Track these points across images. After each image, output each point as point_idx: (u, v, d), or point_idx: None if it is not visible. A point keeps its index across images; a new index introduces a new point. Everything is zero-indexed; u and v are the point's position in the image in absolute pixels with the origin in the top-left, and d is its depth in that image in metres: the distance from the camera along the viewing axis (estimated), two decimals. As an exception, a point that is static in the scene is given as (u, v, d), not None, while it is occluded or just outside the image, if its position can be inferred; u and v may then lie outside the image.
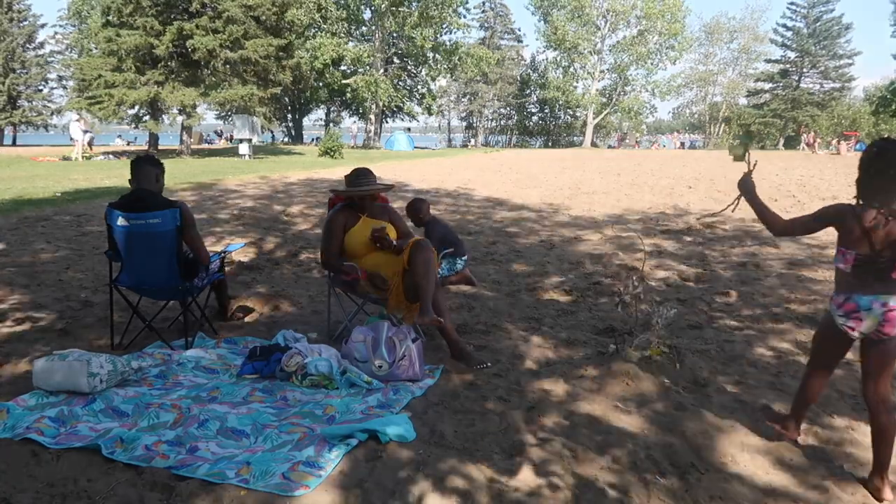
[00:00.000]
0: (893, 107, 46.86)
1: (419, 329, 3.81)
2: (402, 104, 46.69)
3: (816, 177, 18.02)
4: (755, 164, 2.70)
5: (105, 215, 3.75)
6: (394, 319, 3.78)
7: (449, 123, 64.52)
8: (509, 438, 2.81)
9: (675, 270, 6.25)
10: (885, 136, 2.30)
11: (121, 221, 3.66)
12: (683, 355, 3.70)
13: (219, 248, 4.55)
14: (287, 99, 45.76)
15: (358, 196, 4.01)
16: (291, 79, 26.49)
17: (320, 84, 44.05)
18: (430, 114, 50.50)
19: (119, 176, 14.45)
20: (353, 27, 43.60)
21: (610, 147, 54.09)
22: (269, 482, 2.41)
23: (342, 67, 43.16)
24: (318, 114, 55.99)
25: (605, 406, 3.18)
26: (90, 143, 24.61)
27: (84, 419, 2.90)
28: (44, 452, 2.60)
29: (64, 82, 40.73)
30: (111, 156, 24.12)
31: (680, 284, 5.74)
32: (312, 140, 47.10)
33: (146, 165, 3.80)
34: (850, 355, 2.83)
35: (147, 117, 24.96)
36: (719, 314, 4.79)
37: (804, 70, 54.09)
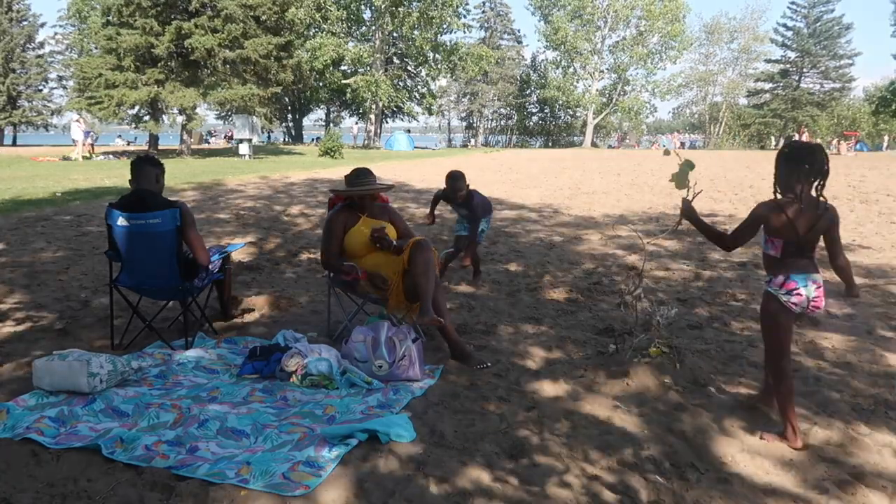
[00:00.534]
0: (893, 107, 46.90)
1: (419, 329, 3.81)
2: (402, 104, 46.71)
3: (816, 177, 17.99)
4: (698, 192, 3.09)
5: (105, 215, 3.75)
6: (394, 319, 3.78)
7: (449, 123, 64.55)
8: (509, 438, 2.81)
9: (675, 270, 6.25)
10: (800, 139, 2.88)
11: (121, 221, 3.66)
12: (683, 355, 3.70)
13: (216, 249, 4.54)
14: (287, 99, 45.77)
15: (358, 196, 4.00)
16: (292, 78, 26.49)
17: (320, 84, 44.06)
18: (430, 114, 50.53)
19: (119, 176, 14.45)
20: (353, 27, 43.60)
21: (610, 147, 54.11)
22: (269, 482, 2.41)
23: (342, 67, 43.16)
24: (318, 114, 56.06)
25: (605, 406, 3.18)
26: (93, 144, 24.63)
27: (84, 419, 2.90)
28: (44, 452, 2.60)
29: (64, 82, 40.77)
30: (111, 156, 24.14)
31: (680, 284, 5.74)
32: (312, 140, 47.12)
33: (146, 166, 3.79)
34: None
35: (147, 118, 24.98)
36: (719, 314, 4.78)
37: (804, 70, 54.13)
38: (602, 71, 53.18)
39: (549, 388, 3.37)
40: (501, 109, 60.43)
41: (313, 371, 3.36)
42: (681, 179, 3.07)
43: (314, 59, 39.00)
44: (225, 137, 43.70)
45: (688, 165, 3.08)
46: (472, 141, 59.62)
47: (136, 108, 24.78)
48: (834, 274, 3.10)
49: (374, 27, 42.57)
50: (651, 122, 71.79)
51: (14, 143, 39.55)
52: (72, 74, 31.81)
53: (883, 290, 5.57)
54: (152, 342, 3.92)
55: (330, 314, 4.37)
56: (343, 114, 55.22)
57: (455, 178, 5.39)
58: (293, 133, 51.22)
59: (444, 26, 41.87)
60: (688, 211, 3.02)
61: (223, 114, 41.86)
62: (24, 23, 39.88)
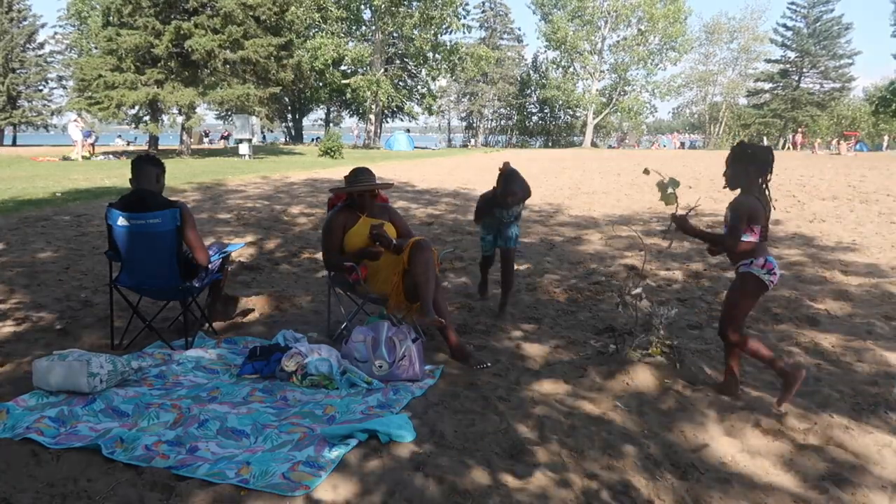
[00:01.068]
0: (893, 107, 46.92)
1: (419, 329, 3.81)
2: (402, 104, 46.73)
3: (816, 177, 18.02)
4: (694, 206, 3.40)
5: (105, 215, 3.74)
6: (394, 319, 3.78)
7: (449, 123, 64.55)
8: (509, 438, 2.81)
9: (675, 270, 6.25)
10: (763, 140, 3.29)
11: (121, 221, 3.65)
12: (683, 355, 3.70)
13: (217, 248, 4.54)
14: (287, 99, 45.76)
15: (357, 194, 4.00)
16: (292, 77, 26.49)
17: (320, 84, 44.07)
18: (430, 114, 50.53)
19: (119, 176, 14.46)
20: (354, 27, 43.61)
21: (610, 147, 54.11)
22: (269, 482, 2.41)
23: (342, 67, 43.17)
24: (319, 114, 56.04)
25: (605, 406, 3.18)
26: (93, 144, 24.62)
27: (84, 419, 2.90)
28: (44, 452, 2.60)
29: (64, 82, 40.77)
30: (111, 156, 24.13)
31: (680, 284, 5.74)
32: (312, 140, 47.12)
33: (147, 165, 3.79)
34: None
35: (147, 118, 24.99)
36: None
37: (804, 70, 54.13)
38: (602, 71, 53.19)
39: (549, 388, 3.37)
40: (501, 109, 60.43)
41: (313, 371, 3.36)
42: (667, 197, 3.22)
43: (314, 59, 39.00)
44: (221, 137, 43.68)
45: (671, 184, 3.21)
46: (472, 141, 59.63)
47: (136, 108, 24.78)
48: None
49: (374, 27, 42.58)
50: (651, 122, 71.82)
51: (14, 143, 39.55)
52: (72, 74, 31.83)
53: (883, 290, 5.57)
54: (152, 342, 3.92)
55: (330, 314, 4.37)
56: (343, 114, 55.21)
57: (511, 178, 4.48)
58: (293, 133, 51.22)
59: (444, 26, 41.87)
60: (680, 226, 3.24)
61: (222, 114, 41.86)
62: (25, 23, 39.88)
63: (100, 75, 22.32)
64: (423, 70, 45.85)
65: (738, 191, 3.14)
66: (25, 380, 3.24)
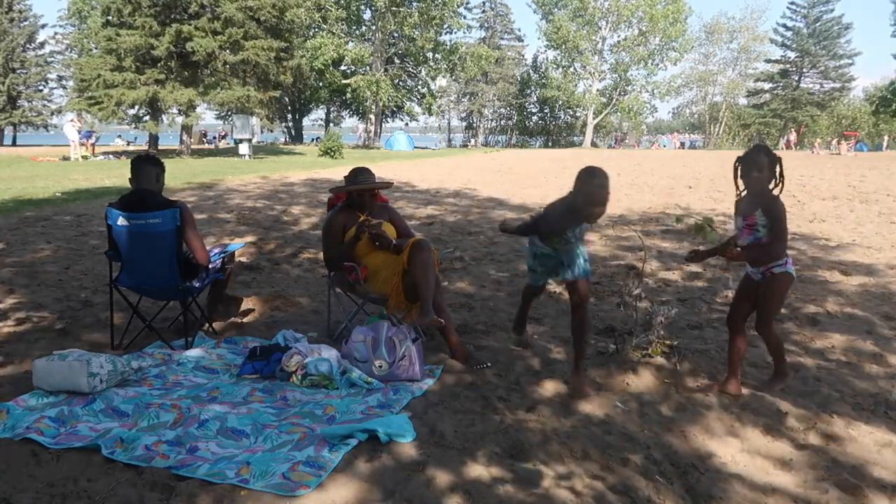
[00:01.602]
0: (893, 107, 46.92)
1: (419, 329, 3.81)
2: (402, 104, 46.73)
3: (816, 177, 18.02)
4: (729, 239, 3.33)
5: (105, 215, 3.74)
6: (394, 319, 3.78)
7: (449, 123, 64.53)
8: (509, 438, 2.81)
9: (675, 270, 6.25)
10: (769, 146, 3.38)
11: (121, 221, 3.65)
12: (683, 355, 3.70)
13: (218, 249, 4.54)
14: (287, 99, 45.76)
15: (357, 193, 4.00)
16: (292, 80, 26.50)
17: (320, 84, 44.08)
18: (430, 114, 50.53)
19: (119, 176, 14.46)
20: (354, 27, 43.61)
21: (610, 147, 54.11)
22: (269, 482, 2.41)
23: (342, 67, 43.17)
24: (319, 114, 56.03)
25: (606, 406, 3.18)
26: (94, 144, 24.61)
27: (84, 419, 2.90)
28: (44, 452, 2.60)
29: (64, 82, 40.78)
30: (111, 156, 24.15)
31: (680, 284, 5.74)
32: (312, 140, 47.13)
33: (146, 165, 3.79)
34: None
35: (147, 117, 24.99)
36: (719, 314, 4.78)
37: (804, 70, 54.13)
38: (602, 71, 53.18)
39: (549, 388, 3.37)
40: (501, 109, 60.40)
41: (313, 371, 3.36)
42: (706, 233, 3.35)
43: (314, 60, 39.00)
44: (220, 137, 43.66)
45: (707, 222, 3.36)
46: (472, 141, 59.61)
47: (136, 108, 24.79)
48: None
49: (374, 27, 42.58)
50: (651, 122, 71.79)
51: (14, 143, 39.57)
52: (72, 74, 31.83)
53: (883, 290, 5.57)
54: (152, 342, 3.92)
55: (330, 314, 4.37)
56: (343, 114, 55.21)
57: (602, 181, 3.13)
58: (293, 133, 51.23)
59: (445, 26, 41.87)
60: (737, 256, 3.25)
61: (223, 113, 41.88)
62: (25, 23, 39.90)
63: (99, 74, 22.33)
64: (423, 70, 45.85)
65: (744, 193, 3.23)
66: (25, 380, 3.24)
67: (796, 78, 54.48)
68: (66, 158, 21.77)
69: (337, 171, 17.00)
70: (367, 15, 43.50)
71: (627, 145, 57.75)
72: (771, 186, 3.16)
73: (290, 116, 51.19)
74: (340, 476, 2.48)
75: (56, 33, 45.01)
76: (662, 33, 48.84)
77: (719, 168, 21.90)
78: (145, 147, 27.84)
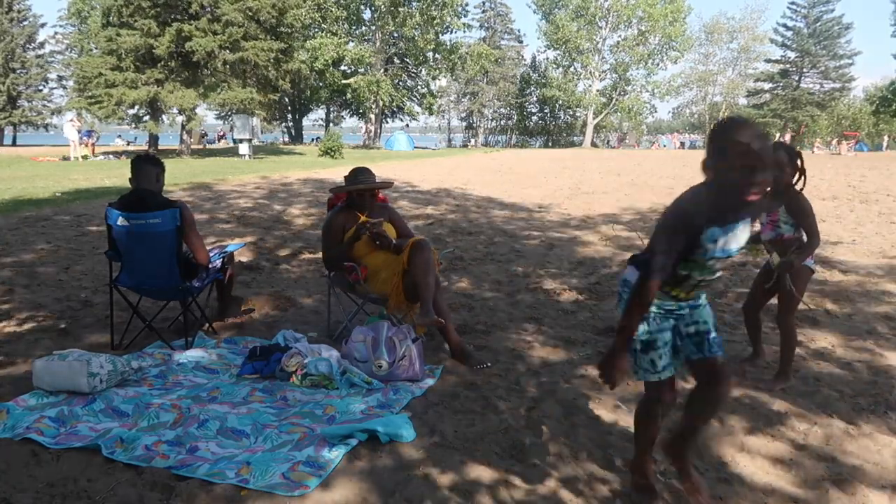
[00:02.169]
0: (894, 107, 46.91)
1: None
2: (402, 104, 46.73)
3: (816, 177, 18.02)
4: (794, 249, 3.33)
5: (105, 215, 3.74)
6: (394, 319, 3.78)
7: (449, 123, 64.54)
8: (509, 438, 2.81)
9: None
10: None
11: (121, 221, 3.65)
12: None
13: (218, 248, 4.54)
14: (287, 99, 45.77)
15: (357, 193, 4.00)
16: (290, 84, 26.53)
17: (320, 84, 44.08)
18: (430, 113, 50.54)
19: (119, 176, 14.46)
20: (354, 27, 43.60)
21: (610, 147, 54.10)
22: (269, 482, 2.41)
23: (342, 67, 43.17)
24: (319, 114, 56.04)
25: (606, 406, 3.18)
26: (94, 144, 24.60)
27: (84, 419, 2.90)
28: (44, 452, 2.60)
29: (64, 82, 40.78)
30: (111, 156, 24.14)
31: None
32: (312, 140, 47.13)
33: (146, 165, 3.79)
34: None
35: (147, 118, 24.99)
36: (719, 314, 4.78)
37: (804, 70, 54.10)
38: (603, 71, 53.17)
39: (549, 389, 3.37)
40: (501, 109, 60.40)
41: (313, 371, 3.36)
42: (756, 254, 3.62)
43: (314, 60, 38.99)
44: (218, 137, 43.63)
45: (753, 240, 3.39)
46: (472, 141, 59.61)
47: (136, 107, 24.79)
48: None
49: (374, 27, 42.57)
50: (651, 122, 71.75)
51: (14, 143, 39.56)
52: (71, 74, 31.84)
53: (883, 290, 5.57)
54: (152, 342, 3.92)
55: (330, 314, 4.37)
56: (343, 114, 55.22)
57: (756, 133, 1.88)
58: (293, 133, 51.24)
59: (445, 26, 41.86)
60: (794, 266, 3.28)
61: (223, 114, 41.87)
62: (25, 23, 39.90)
63: (100, 73, 22.34)
64: (424, 70, 45.85)
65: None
66: (25, 380, 3.24)
67: (796, 78, 54.46)
68: (65, 158, 21.77)
69: (337, 171, 17.00)
70: (368, 15, 43.51)
71: (627, 145, 57.73)
72: (794, 182, 3.17)
73: (290, 116, 51.21)
74: (340, 476, 2.48)
75: (56, 33, 45.04)
76: (662, 33, 48.83)
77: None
78: (145, 147, 27.83)
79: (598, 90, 53.06)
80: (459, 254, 6.82)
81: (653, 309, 2.16)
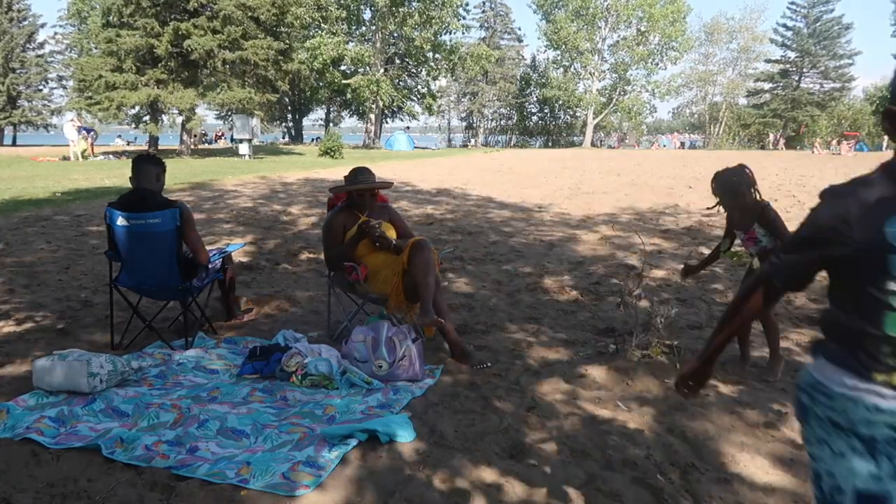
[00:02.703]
0: (894, 107, 46.72)
1: (419, 329, 3.81)
2: (402, 104, 46.74)
3: (816, 177, 18.03)
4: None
5: (105, 215, 3.74)
6: (394, 319, 3.77)
7: (449, 123, 64.55)
8: (509, 438, 2.81)
9: (675, 270, 6.25)
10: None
11: (120, 221, 3.65)
12: (683, 355, 3.70)
13: (218, 248, 4.55)
14: (287, 99, 45.77)
15: (357, 193, 4.00)
16: (289, 84, 26.54)
17: (320, 84, 44.09)
18: (430, 114, 50.55)
19: (119, 176, 14.46)
20: (354, 27, 43.61)
21: (610, 147, 54.12)
22: (269, 482, 2.41)
23: (342, 67, 43.18)
24: (319, 114, 56.06)
25: (606, 406, 3.18)
26: (93, 142, 24.59)
27: (84, 419, 2.90)
28: (44, 452, 2.60)
29: (64, 82, 40.79)
30: (111, 156, 24.14)
31: (680, 284, 5.74)
32: (312, 140, 47.14)
33: (147, 164, 3.79)
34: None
35: (147, 118, 25.00)
36: (719, 314, 4.77)
37: (804, 70, 54.11)
38: (602, 71, 53.18)
39: (549, 388, 3.37)
40: (501, 109, 60.42)
41: (313, 371, 3.36)
42: (740, 257, 3.62)
43: (314, 59, 38.98)
44: (215, 137, 43.62)
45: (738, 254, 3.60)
46: (472, 141, 59.62)
47: (137, 108, 24.80)
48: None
49: (374, 27, 42.57)
50: (651, 122, 71.74)
51: (14, 143, 39.57)
52: (71, 75, 31.85)
53: (883, 290, 5.57)
54: (152, 342, 3.92)
55: (330, 314, 4.37)
56: (343, 114, 55.23)
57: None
58: (293, 133, 51.24)
59: (445, 26, 41.87)
60: None
61: (222, 114, 41.89)
62: (25, 23, 39.90)
63: (100, 76, 22.34)
64: (423, 70, 45.85)
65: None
66: (25, 380, 3.24)
67: (796, 78, 54.46)
68: (65, 158, 21.77)
69: (337, 172, 16.99)
70: (368, 15, 43.53)
71: (627, 145, 57.75)
72: (756, 198, 3.38)
73: (290, 116, 51.22)
74: (340, 476, 2.48)
75: (56, 33, 45.10)
76: (662, 33, 48.83)
77: (720, 168, 21.88)
78: (145, 147, 27.84)
79: (598, 90, 53.07)
80: (459, 254, 6.82)
81: (884, 429, 1.25)
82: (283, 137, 53.17)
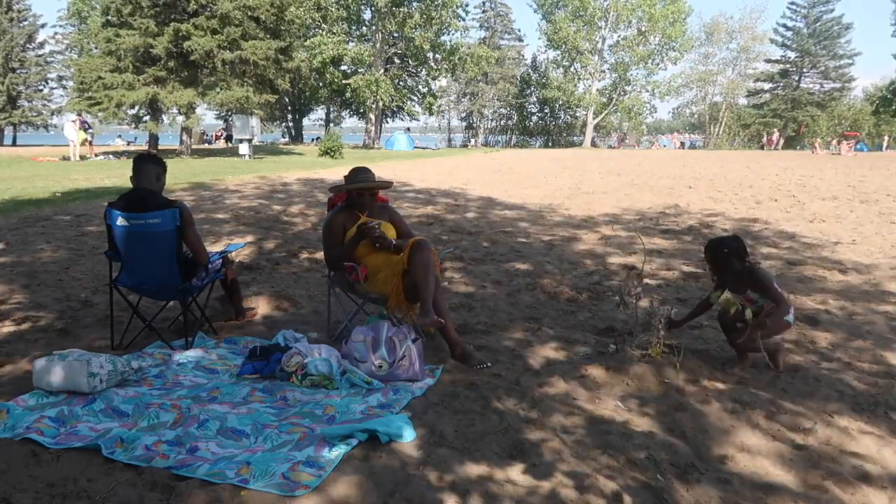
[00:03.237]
0: (894, 107, 46.91)
1: (419, 329, 3.81)
2: (402, 104, 46.74)
3: (816, 177, 18.03)
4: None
5: (104, 215, 3.74)
6: (394, 319, 3.77)
7: (449, 123, 64.57)
8: (509, 438, 2.81)
9: (675, 270, 6.25)
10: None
11: (120, 221, 3.65)
12: (683, 355, 3.70)
13: (219, 248, 4.55)
14: (287, 99, 45.77)
15: (357, 193, 3.99)
16: (290, 84, 26.56)
17: (320, 84, 44.09)
18: (430, 114, 50.56)
19: (119, 176, 14.46)
20: (354, 27, 43.61)
21: (610, 147, 54.13)
22: (269, 482, 2.41)
23: (342, 67, 43.18)
24: (319, 114, 56.08)
25: (606, 406, 3.18)
26: (90, 142, 24.60)
27: (84, 419, 2.89)
28: (44, 452, 2.60)
29: (64, 82, 40.80)
30: (111, 156, 24.15)
31: (680, 284, 5.74)
32: (312, 140, 47.15)
33: (148, 164, 3.79)
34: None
35: (147, 118, 25.01)
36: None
37: (804, 70, 54.15)
38: (602, 71, 53.19)
39: (549, 388, 3.37)
40: (501, 109, 60.43)
41: (313, 371, 3.36)
42: (731, 306, 3.65)
43: (313, 58, 38.97)
44: (216, 137, 43.65)
45: (731, 303, 3.65)
46: (472, 141, 59.62)
47: (136, 108, 24.80)
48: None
49: (374, 27, 42.57)
50: (651, 122, 71.73)
51: (14, 143, 39.58)
52: (72, 75, 31.86)
53: (883, 290, 5.57)
54: (152, 342, 3.92)
55: (330, 314, 4.37)
56: (343, 114, 55.24)
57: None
58: (293, 133, 51.23)
59: (444, 26, 41.87)
60: (760, 338, 3.53)
61: (222, 114, 41.90)
62: (25, 23, 39.91)
63: (99, 76, 22.34)
64: (423, 70, 45.85)
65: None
66: (25, 380, 3.24)
67: (796, 78, 54.49)
68: (65, 158, 21.78)
69: (337, 172, 17.00)
70: (368, 15, 43.52)
71: (627, 145, 57.77)
72: (746, 263, 3.59)
73: (290, 116, 51.22)
74: (340, 476, 2.48)
75: (56, 33, 45.10)
76: (662, 33, 48.84)
77: (719, 168, 21.91)
78: (145, 147, 27.84)
79: (598, 90, 53.08)
80: (459, 254, 6.82)
81: None
82: (283, 137, 53.20)
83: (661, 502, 2.37)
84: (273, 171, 17.81)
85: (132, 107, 24.03)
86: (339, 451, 2.62)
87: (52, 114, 40.54)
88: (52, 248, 6.62)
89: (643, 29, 49.36)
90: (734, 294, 3.62)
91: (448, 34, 43.18)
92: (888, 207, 11.27)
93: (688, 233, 8.34)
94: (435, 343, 3.92)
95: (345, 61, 42.45)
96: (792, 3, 53.42)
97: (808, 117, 52.59)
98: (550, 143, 57.90)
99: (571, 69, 53.71)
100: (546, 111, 59.18)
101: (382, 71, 42.49)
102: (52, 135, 42.12)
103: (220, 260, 4.25)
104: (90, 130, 24.49)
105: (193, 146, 27.85)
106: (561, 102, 54.54)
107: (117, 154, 25.04)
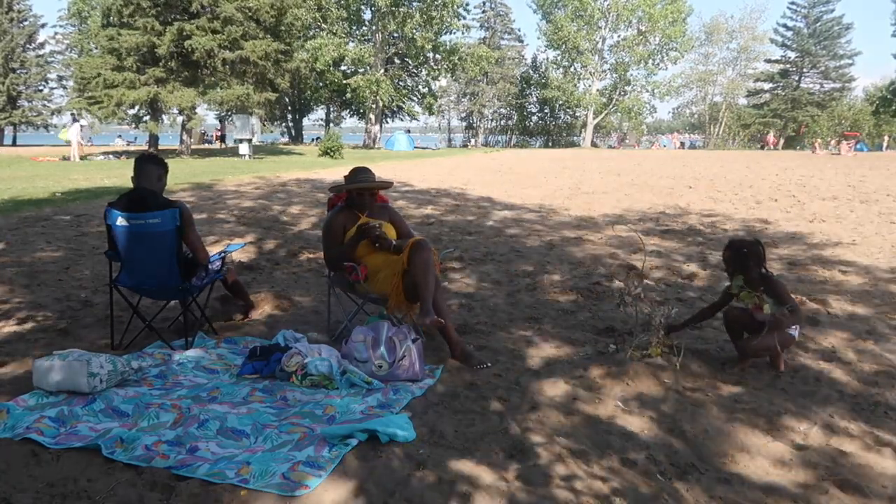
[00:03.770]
0: (894, 107, 46.92)
1: (419, 329, 3.81)
2: (402, 104, 46.75)
3: (816, 177, 18.03)
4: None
5: (104, 215, 3.74)
6: (394, 319, 3.77)
7: (449, 123, 64.58)
8: (509, 438, 2.81)
9: (675, 270, 6.25)
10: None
11: (120, 221, 3.65)
12: (683, 355, 3.70)
13: (219, 249, 4.55)
14: (287, 99, 45.77)
15: (357, 193, 3.99)
16: (289, 84, 26.58)
17: (321, 84, 44.11)
18: (430, 114, 50.57)
19: (119, 176, 14.47)
20: (354, 27, 43.62)
21: (610, 147, 54.13)
22: (269, 482, 2.41)
23: (342, 67, 43.19)
24: (319, 114, 56.09)
25: (606, 406, 3.18)
26: (84, 144, 24.61)
27: (84, 419, 2.89)
28: (44, 452, 2.60)
29: (64, 82, 40.82)
30: (111, 156, 24.16)
31: (680, 284, 5.74)
32: (312, 140, 47.16)
33: (149, 164, 3.79)
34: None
35: (147, 118, 25.02)
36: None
37: (804, 70, 54.18)
38: (603, 71, 53.20)
39: (549, 388, 3.37)
40: (501, 109, 60.43)
41: (313, 371, 3.36)
42: (749, 298, 3.67)
43: (314, 60, 38.98)
44: (215, 138, 43.66)
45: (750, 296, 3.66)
46: (472, 141, 59.63)
47: (136, 108, 24.82)
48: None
49: (374, 27, 42.58)
50: (651, 122, 71.73)
51: (14, 143, 39.60)
52: (72, 74, 31.87)
53: (883, 290, 5.57)
54: (152, 342, 3.92)
55: (330, 314, 4.37)
56: (343, 114, 55.24)
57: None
58: (293, 133, 51.23)
59: (445, 26, 41.88)
60: (776, 343, 3.58)
61: (222, 113, 41.91)
62: (25, 23, 39.94)
63: (99, 73, 22.36)
64: (424, 70, 45.86)
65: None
66: (25, 380, 3.24)
67: (796, 78, 54.51)
68: (65, 158, 21.78)
69: (337, 172, 17.00)
70: (368, 15, 43.53)
71: (628, 145, 57.79)
72: (762, 269, 3.63)
73: (290, 116, 51.21)
74: (340, 476, 2.48)
75: (56, 33, 45.14)
76: (662, 33, 48.85)
77: (719, 168, 21.91)
78: (145, 147, 27.85)
79: (598, 90, 53.09)
80: (459, 254, 6.82)
81: None
82: (283, 137, 53.21)
83: (661, 502, 2.37)
84: (273, 171, 17.82)
85: (132, 106, 24.05)
86: (339, 451, 2.62)
87: (52, 114, 40.56)
88: (52, 248, 6.62)
89: (643, 29, 49.36)
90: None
91: (448, 34, 43.23)
92: (888, 207, 11.27)
93: (688, 233, 8.34)
94: (435, 343, 3.92)
95: (345, 62, 42.45)
96: (792, 3, 53.47)
97: (809, 117, 52.61)
98: (550, 143, 57.91)
99: (571, 69, 53.73)
100: (546, 111, 59.19)
101: (382, 71, 42.49)
102: (52, 135, 42.11)
103: (220, 260, 4.25)
104: (84, 129, 24.49)
105: (193, 146, 27.85)
106: (561, 102, 54.56)
107: (117, 154, 25.03)
